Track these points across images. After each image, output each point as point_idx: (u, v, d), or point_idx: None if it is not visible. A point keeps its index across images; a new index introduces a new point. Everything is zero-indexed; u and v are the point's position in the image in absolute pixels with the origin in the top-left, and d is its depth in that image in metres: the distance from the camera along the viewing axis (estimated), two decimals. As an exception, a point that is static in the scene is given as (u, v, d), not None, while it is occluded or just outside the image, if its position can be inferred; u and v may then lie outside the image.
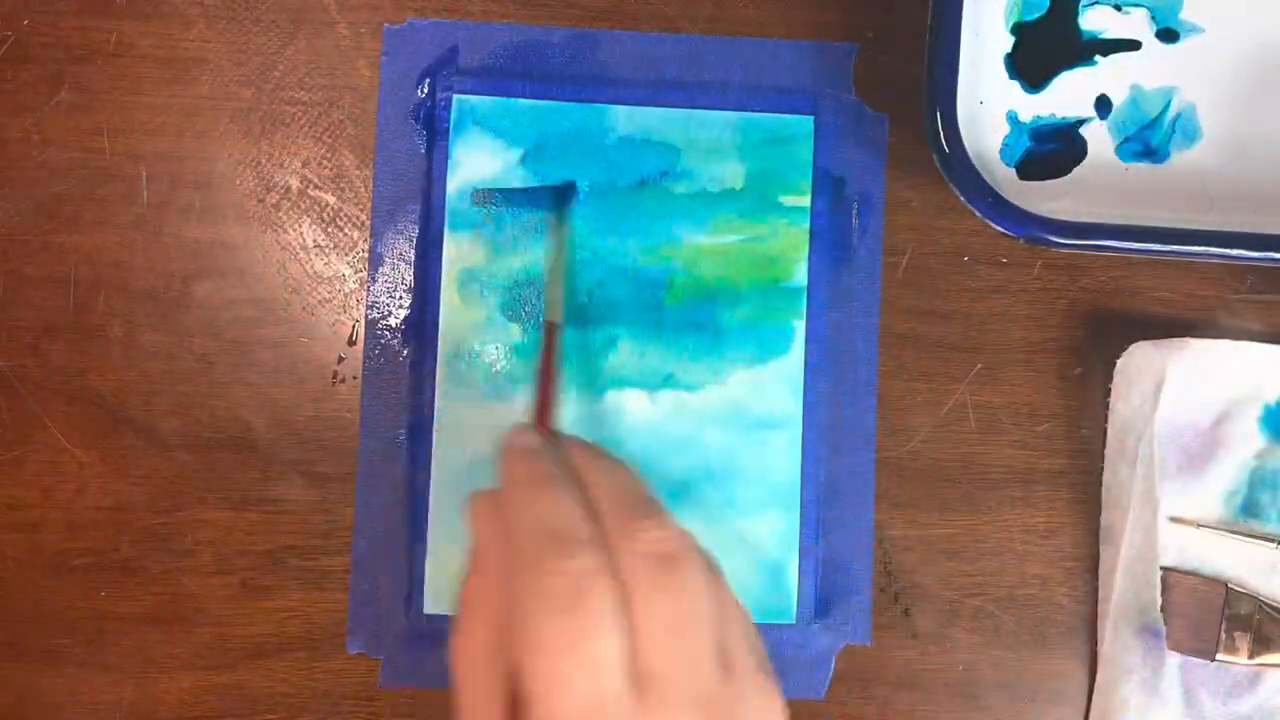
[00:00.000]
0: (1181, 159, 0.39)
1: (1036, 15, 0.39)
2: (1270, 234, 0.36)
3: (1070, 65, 0.39)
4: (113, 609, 0.39)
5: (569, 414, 0.39)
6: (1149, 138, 0.39)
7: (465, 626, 0.28)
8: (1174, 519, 0.39)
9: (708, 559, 0.28)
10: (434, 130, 0.40)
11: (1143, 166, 0.39)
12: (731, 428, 0.39)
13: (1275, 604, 0.38)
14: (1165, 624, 0.38)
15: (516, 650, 0.26)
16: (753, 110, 0.40)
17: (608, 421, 0.39)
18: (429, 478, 0.39)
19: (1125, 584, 0.39)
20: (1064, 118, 0.39)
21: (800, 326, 0.40)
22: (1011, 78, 0.39)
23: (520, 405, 0.39)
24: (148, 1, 0.40)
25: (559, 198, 0.39)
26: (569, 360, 0.39)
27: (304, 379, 0.39)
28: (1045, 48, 0.39)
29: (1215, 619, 0.38)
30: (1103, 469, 0.40)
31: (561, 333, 0.37)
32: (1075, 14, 0.39)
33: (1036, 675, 0.40)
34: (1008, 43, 0.39)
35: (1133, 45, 0.39)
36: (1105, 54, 0.39)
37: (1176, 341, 0.39)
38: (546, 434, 0.33)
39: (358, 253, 0.40)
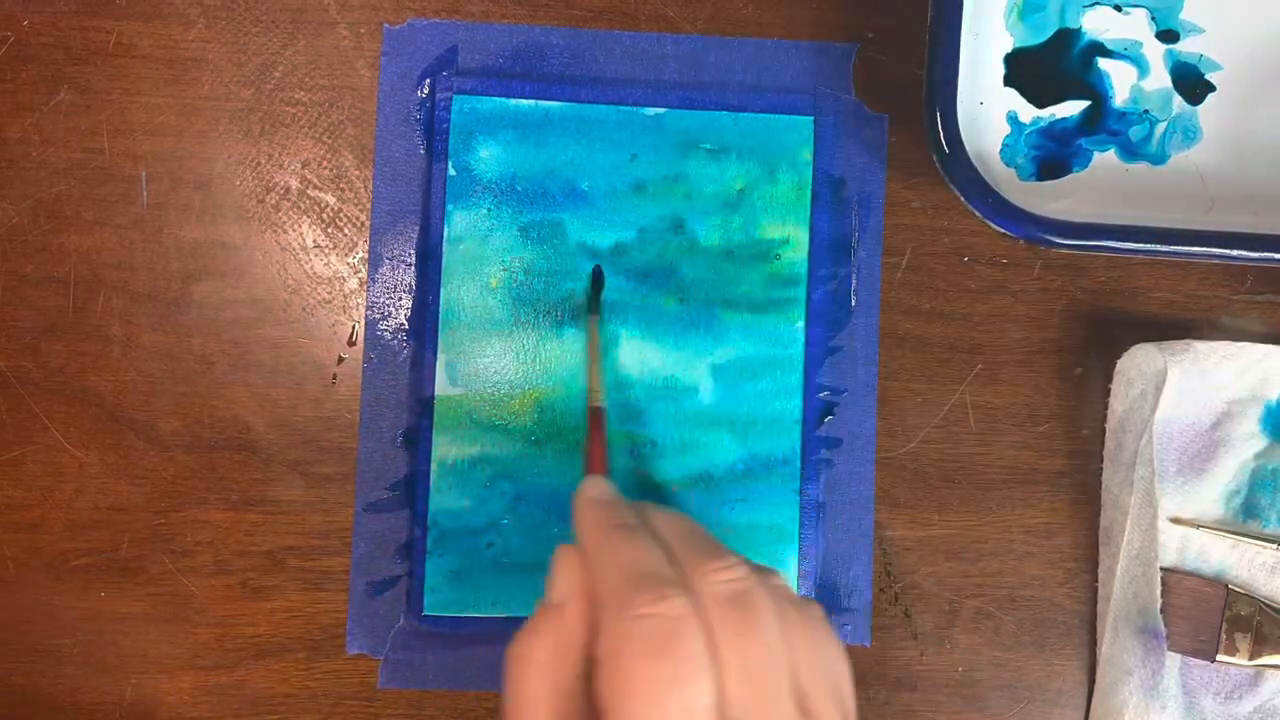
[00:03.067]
0: (1181, 159, 0.39)
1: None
2: (1270, 234, 0.36)
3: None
4: (113, 609, 0.39)
5: (564, 412, 0.39)
6: (1149, 138, 0.39)
7: (529, 643, 0.28)
8: (1174, 519, 0.39)
9: (784, 597, 0.28)
10: (434, 131, 0.39)
11: (1143, 167, 0.39)
12: (731, 427, 0.39)
13: (1275, 605, 0.38)
14: (1165, 625, 0.38)
15: (604, 691, 0.25)
16: (753, 110, 0.40)
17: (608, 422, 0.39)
18: (429, 478, 0.39)
19: (1125, 584, 0.39)
20: (1064, 118, 0.39)
21: (800, 326, 0.40)
22: (1008, 86, 0.39)
23: (517, 405, 0.39)
24: (148, 1, 0.40)
25: (592, 286, 0.39)
26: (568, 361, 0.39)
27: (304, 379, 0.39)
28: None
29: (1215, 620, 0.38)
30: (1102, 469, 0.40)
31: (605, 414, 0.38)
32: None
33: (1036, 676, 0.40)
34: (1008, 43, 0.39)
35: (1132, 55, 0.39)
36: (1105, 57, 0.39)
37: (1178, 343, 0.39)
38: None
39: (358, 253, 0.40)
